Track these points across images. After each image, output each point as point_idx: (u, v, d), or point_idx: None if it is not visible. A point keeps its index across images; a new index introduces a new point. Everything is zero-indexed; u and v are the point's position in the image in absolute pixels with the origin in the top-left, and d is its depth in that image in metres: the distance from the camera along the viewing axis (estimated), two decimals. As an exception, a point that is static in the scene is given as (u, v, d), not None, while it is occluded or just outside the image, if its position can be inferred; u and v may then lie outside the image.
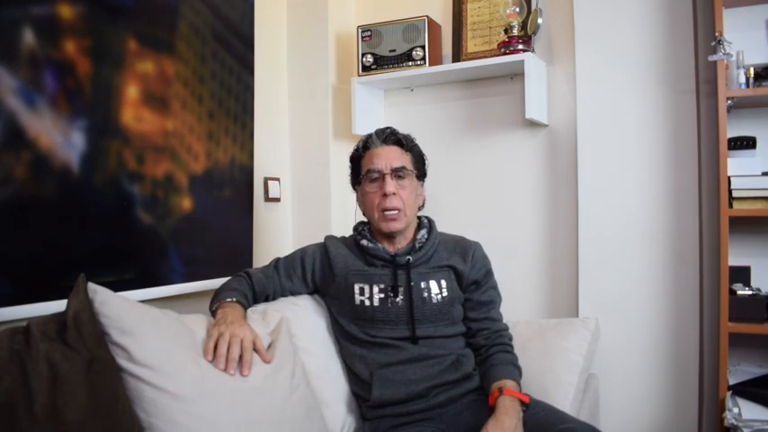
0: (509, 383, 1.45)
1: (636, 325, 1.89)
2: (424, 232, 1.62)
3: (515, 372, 1.51)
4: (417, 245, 1.58)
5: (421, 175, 1.65)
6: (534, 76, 1.96)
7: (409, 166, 1.60)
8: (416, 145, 1.65)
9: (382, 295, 1.54)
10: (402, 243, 1.61)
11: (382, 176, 1.56)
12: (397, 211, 1.55)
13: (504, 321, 1.64)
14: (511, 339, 1.61)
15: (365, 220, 1.69)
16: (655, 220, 1.88)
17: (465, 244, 1.64)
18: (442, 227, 1.68)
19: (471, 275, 1.59)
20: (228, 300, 1.44)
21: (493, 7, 2.14)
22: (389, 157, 1.57)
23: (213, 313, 1.42)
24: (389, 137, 1.60)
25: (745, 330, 1.64)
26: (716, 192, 1.74)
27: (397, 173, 1.56)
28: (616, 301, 1.91)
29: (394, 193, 1.54)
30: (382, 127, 1.64)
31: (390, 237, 1.59)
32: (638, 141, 1.90)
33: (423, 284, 1.54)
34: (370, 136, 1.62)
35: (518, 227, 2.13)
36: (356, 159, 1.64)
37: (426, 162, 1.67)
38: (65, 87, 1.44)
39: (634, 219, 1.90)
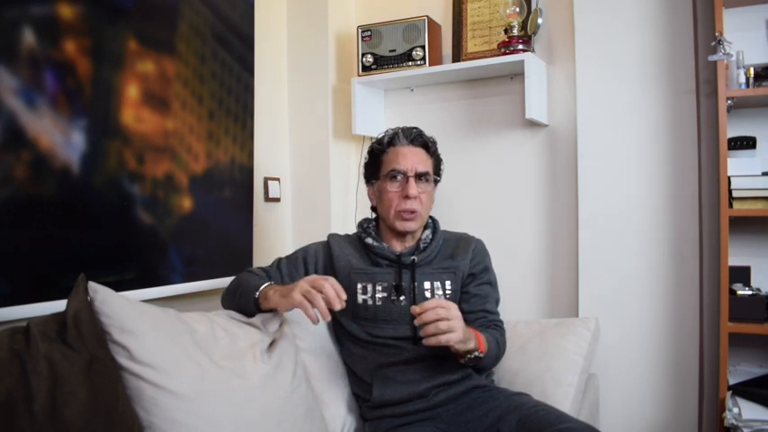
0: (481, 335, 1.43)
1: (636, 325, 1.89)
2: (428, 232, 1.62)
3: (494, 342, 1.49)
4: (422, 245, 1.59)
5: (438, 180, 1.66)
6: (534, 76, 1.96)
7: (432, 171, 1.60)
8: (437, 149, 1.65)
9: (385, 294, 1.54)
10: (410, 242, 1.61)
11: (406, 178, 1.55)
12: (414, 213, 1.55)
13: (504, 322, 1.62)
14: (504, 333, 1.58)
15: (369, 216, 1.69)
16: (655, 220, 1.88)
17: (467, 239, 1.65)
18: (442, 227, 1.68)
19: (469, 269, 1.59)
20: (265, 285, 1.45)
21: (493, 7, 2.14)
22: (415, 159, 1.57)
23: (257, 304, 1.43)
24: (417, 138, 1.60)
25: (745, 330, 1.64)
26: (716, 192, 1.74)
27: (421, 177, 1.56)
28: (616, 301, 1.91)
29: (416, 197, 1.54)
30: (408, 126, 1.63)
31: (399, 236, 1.59)
32: (637, 141, 1.90)
33: (427, 285, 1.55)
34: (396, 133, 1.60)
35: (518, 227, 2.13)
36: (377, 153, 1.62)
37: (443, 166, 1.68)
38: (65, 87, 1.44)
39: (634, 219, 1.90)
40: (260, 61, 2.12)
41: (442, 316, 1.28)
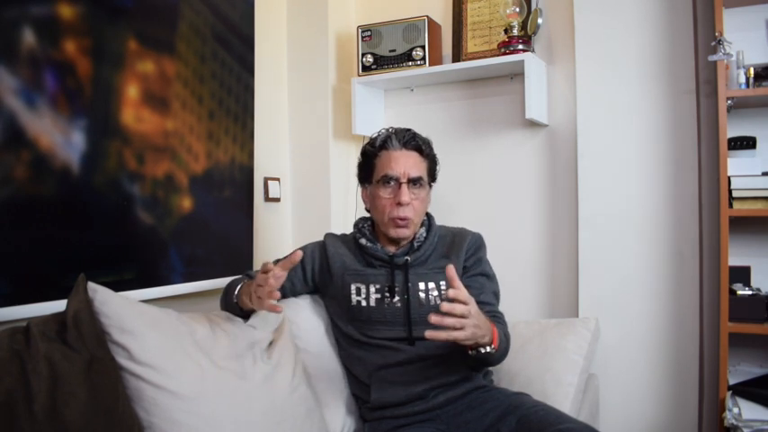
0: (496, 331, 1.36)
1: (636, 325, 1.89)
2: (422, 231, 1.59)
3: (503, 337, 1.42)
4: (416, 244, 1.56)
5: (433, 181, 1.62)
6: (534, 76, 1.96)
7: (425, 175, 1.56)
8: (433, 150, 1.60)
9: (378, 296, 1.53)
10: (404, 242, 1.59)
11: (398, 184, 1.51)
12: (407, 220, 1.52)
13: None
14: (506, 325, 1.52)
15: (366, 215, 1.68)
16: (655, 220, 1.88)
17: (462, 235, 1.60)
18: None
19: (462, 263, 1.56)
20: (239, 288, 1.46)
21: (493, 7, 2.14)
22: (408, 164, 1.53)
23: (239, 307, 1.44)
24: (410, 141, 1.55)
25: (745, 330, 1.64)
26: (716, 192, 1.74)
27: (414, 182, 1.53)
28: (616, 301, 1.91)
29: (408, 204, 1.51)
30: (402, 127, 1.59)
31: (393, 239, 1.58)
32: (638, 141, 1.90)
33: (421, 285, 1.52)
34: (389, 136, 1.56)
35: (518, 227, 2.13)
36: (370, 156, 1.58)
37: (438, 167, 1.64)
38: (65, 87, 1.44)
39: (634, 219, 1.90)
40: (260, 61, 2.12)
41: (461, 315, 1.19)
